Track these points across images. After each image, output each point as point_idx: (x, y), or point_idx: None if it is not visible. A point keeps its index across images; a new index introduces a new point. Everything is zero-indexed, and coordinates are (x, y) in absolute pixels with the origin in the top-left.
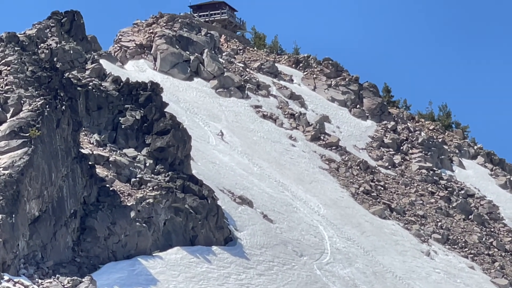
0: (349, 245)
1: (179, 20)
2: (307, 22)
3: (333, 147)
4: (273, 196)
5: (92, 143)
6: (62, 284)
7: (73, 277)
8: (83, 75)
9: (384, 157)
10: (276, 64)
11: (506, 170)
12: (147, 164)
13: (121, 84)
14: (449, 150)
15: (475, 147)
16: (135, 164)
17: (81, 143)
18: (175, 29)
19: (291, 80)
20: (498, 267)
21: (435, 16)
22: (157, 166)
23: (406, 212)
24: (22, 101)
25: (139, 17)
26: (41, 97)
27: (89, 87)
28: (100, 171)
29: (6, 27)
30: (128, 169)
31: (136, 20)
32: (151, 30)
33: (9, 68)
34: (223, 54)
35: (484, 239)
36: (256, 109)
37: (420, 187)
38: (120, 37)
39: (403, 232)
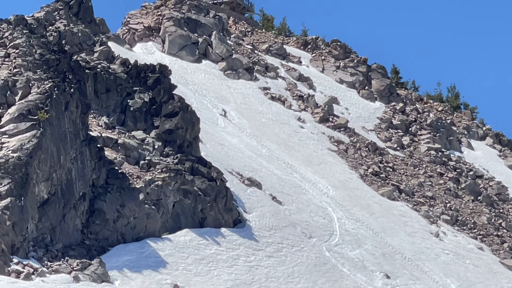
0: (358, 226)
1: (187, 2)
2: (315, 4)
3: (342, 129)
4: (281, 178)
5: (101, 126)
6: (71, 266)
7: (82, 260)
8: (92, 57)
9: (392, 138)
10: (284, 46)
11: None
12: (156, 147)
13: (130, 66)
14: (457, 131)
15: (484, 128)
16: (144, 146)
17: (90, 126)
18: (183, 11)
19: (299, 62)
20: (507, 248)
21: None
22: (166, 149)
23: (415, 193)
24: (30, 84)
25: None
26: (50, 80)
27: (98, 70)
28: (108, 153)
29: (15, 10)
30: (136, 151)
31: (144, 3)
32: (159, 13)
33: (17, 51)
34: (231, 36)
35: (493, 220)
36: (265, 91)
37: (428, 168)
38: (128, 19)
39: (412, 213)
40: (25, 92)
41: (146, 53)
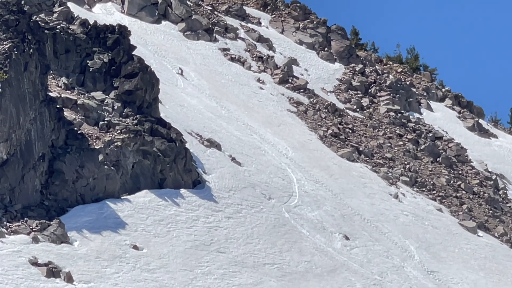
0: (317, 187)
1: None
2: None
3: (301, 90)
4: (241, 139)
5: (60, 86)
6: (31, 227)
7: (41, 220)
8: (51, 18)
9: (352, 99)
10: (244, 7)
11: (474, 113)
12: (115, 107)
13: (89, 27)
14: (417, 92)
15: (443, 90)
16: (103, 107)
17: (49, 86)
18: None
19: (259, 23)
20: (466, 210)
21: None
22: (125, 109)
23: (374, 154)
24: None
25: None
26: (9, 40)
27: (57, 30)
28: (68, 114)
29: None
30: (96, 112)
31: None
32: None
33: None
34: None
35: (452, 181)
36: (224, 52)
37: (388, 130)
38: None
39: (371, 174)
40: None
41: (106, 13)
